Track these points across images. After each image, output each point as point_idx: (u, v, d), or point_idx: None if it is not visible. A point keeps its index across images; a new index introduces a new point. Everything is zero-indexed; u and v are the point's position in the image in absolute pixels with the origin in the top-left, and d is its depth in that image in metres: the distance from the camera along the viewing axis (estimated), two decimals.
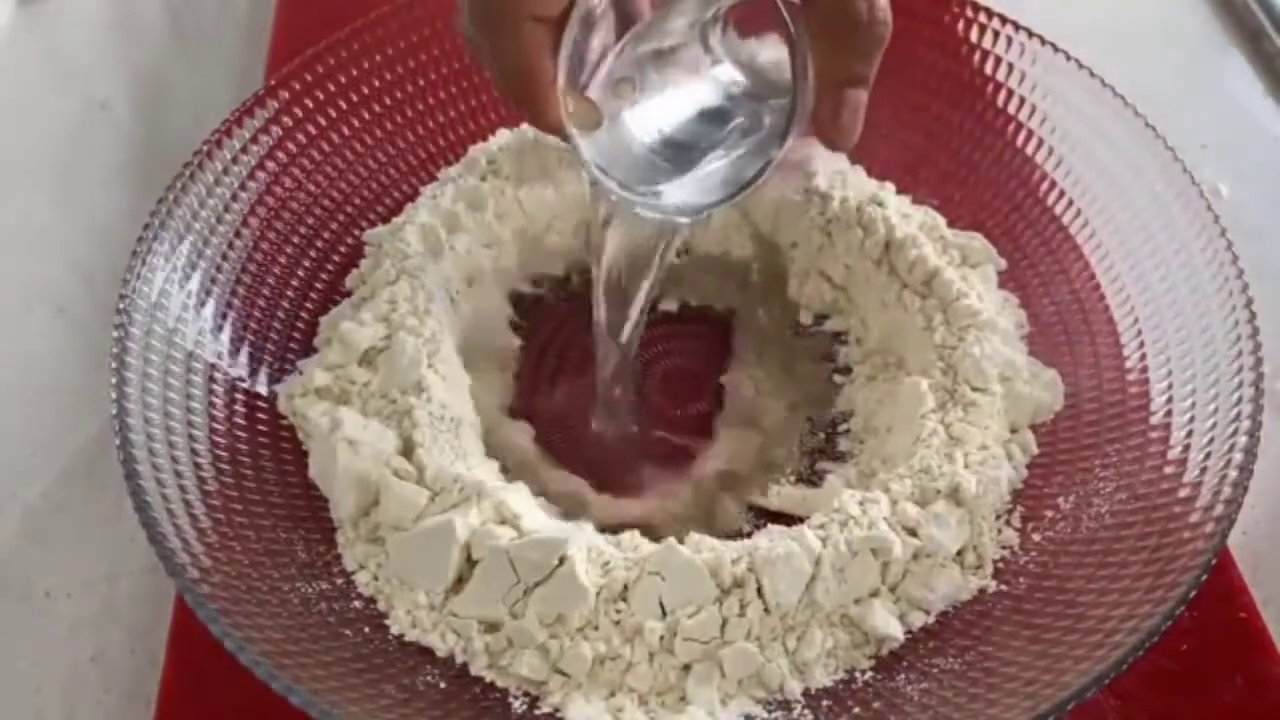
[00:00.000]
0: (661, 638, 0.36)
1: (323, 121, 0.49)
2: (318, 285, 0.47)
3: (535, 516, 0.39)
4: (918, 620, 0.38)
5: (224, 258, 0.45)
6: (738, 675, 0.36)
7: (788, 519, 0.41)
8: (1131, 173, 0.46)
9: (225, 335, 0.43)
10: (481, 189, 0.49)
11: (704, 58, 0.36)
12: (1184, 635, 0.39)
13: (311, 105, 0.49)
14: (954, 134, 0.50)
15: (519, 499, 0.39)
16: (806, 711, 0.36)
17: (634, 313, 0.40)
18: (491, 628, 0.37)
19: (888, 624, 0.37)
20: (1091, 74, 0.47)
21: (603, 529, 0.40)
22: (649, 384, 0.47)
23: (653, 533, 0.40)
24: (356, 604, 0.38)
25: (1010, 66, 0.49)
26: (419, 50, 0.52)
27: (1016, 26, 0.49)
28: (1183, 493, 0.38)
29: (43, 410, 0.48)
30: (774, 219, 0.50)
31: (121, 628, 0.42)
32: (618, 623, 0.36)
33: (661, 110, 0.36)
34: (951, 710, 0.34)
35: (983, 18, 0.50)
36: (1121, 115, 0.46)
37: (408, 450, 0.40)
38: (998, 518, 0.41)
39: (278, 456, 0.41)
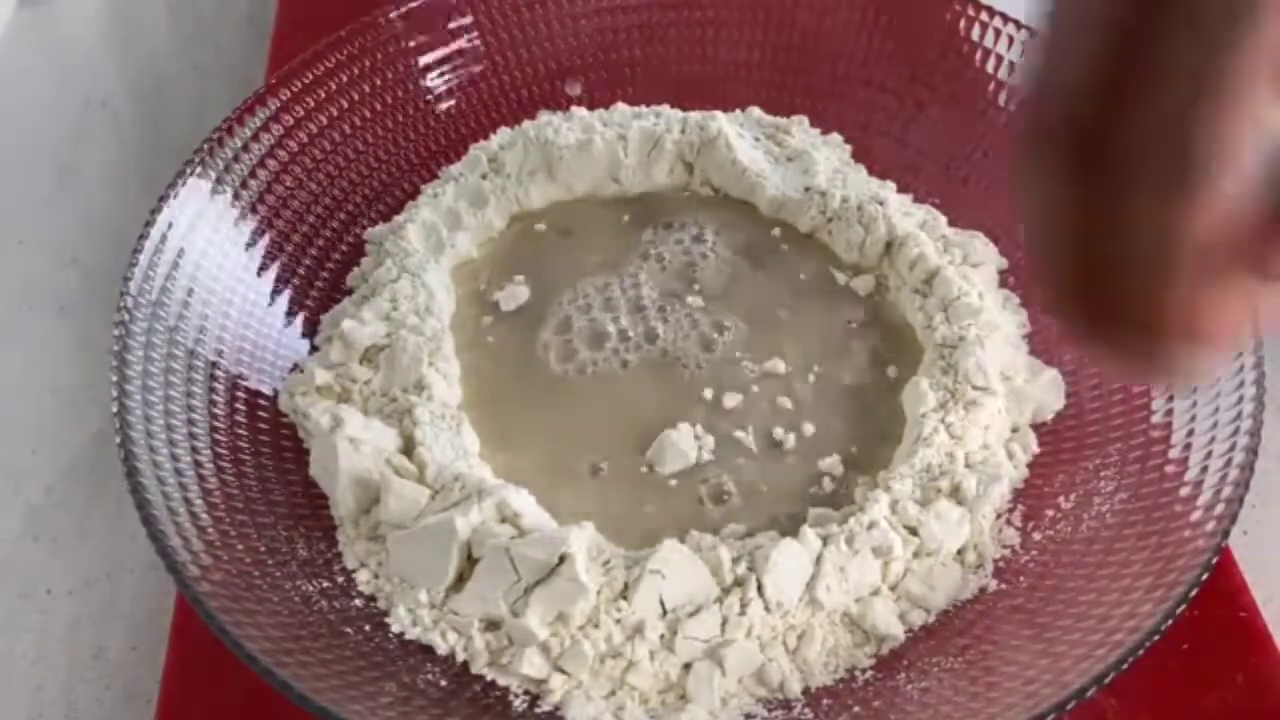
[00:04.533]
0: (662, 636, 0.36)
1: (323, 120, 0.49)
2: (319, 283, 0.47)
3: (536, 515, 0.39)
4: (918, 619, 0.38)
5: (225, 256, 0.45)
6: (738, 674, 0.36)
7: None
8: None
9: (226, 333, 0.43)
10: (483, 187, 0.49)
11: None
12: (1184, 634, 0.39)
13: (312, 104, 0.49)
14: (955, 132, 0.50)
15: (519, 498, 0.39)
16: (807, 710, 0.36)
17: None
18: (492, 626, 0.37)
19: (888, 623, 0.37)
20: None
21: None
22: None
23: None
24: (357, 602, 0.38)
25: (1012, 64, 0.49)
26: (419, 49, 0.52)
27: (1018, 25, 0.49)
28: (1184, 492, 0.38)
29: (43, 409, 0.48)
30: (775, 217, 0.50)
31: (122, 625, 0.42)
32: (619, 621, 0.36)
33: None
34: (952, 709, 0.34)
35: (984, 15, 0.50)
36: None
37: (409, 448, 0.40)
38: (999, 517, 0.41)
39: (278, 454, 0.41)
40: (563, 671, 0.36)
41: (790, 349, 0.45)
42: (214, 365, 0.42)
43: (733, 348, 0.45)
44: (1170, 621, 0.33)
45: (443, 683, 0.36)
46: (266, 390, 0.43)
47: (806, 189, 0.49)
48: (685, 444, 0.41)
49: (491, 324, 0.46)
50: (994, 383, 0.42)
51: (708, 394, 0.43)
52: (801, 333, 0.46)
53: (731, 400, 0.43)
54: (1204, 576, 0.34)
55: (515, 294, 0.46)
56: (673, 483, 0.41)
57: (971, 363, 0.43)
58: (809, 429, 0.43)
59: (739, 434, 0.42)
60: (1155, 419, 0.41)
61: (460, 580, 0.37)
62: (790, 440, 0.42)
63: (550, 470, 0.42)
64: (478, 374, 0.44)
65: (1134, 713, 0.38)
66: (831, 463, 0.42)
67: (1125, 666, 0.32)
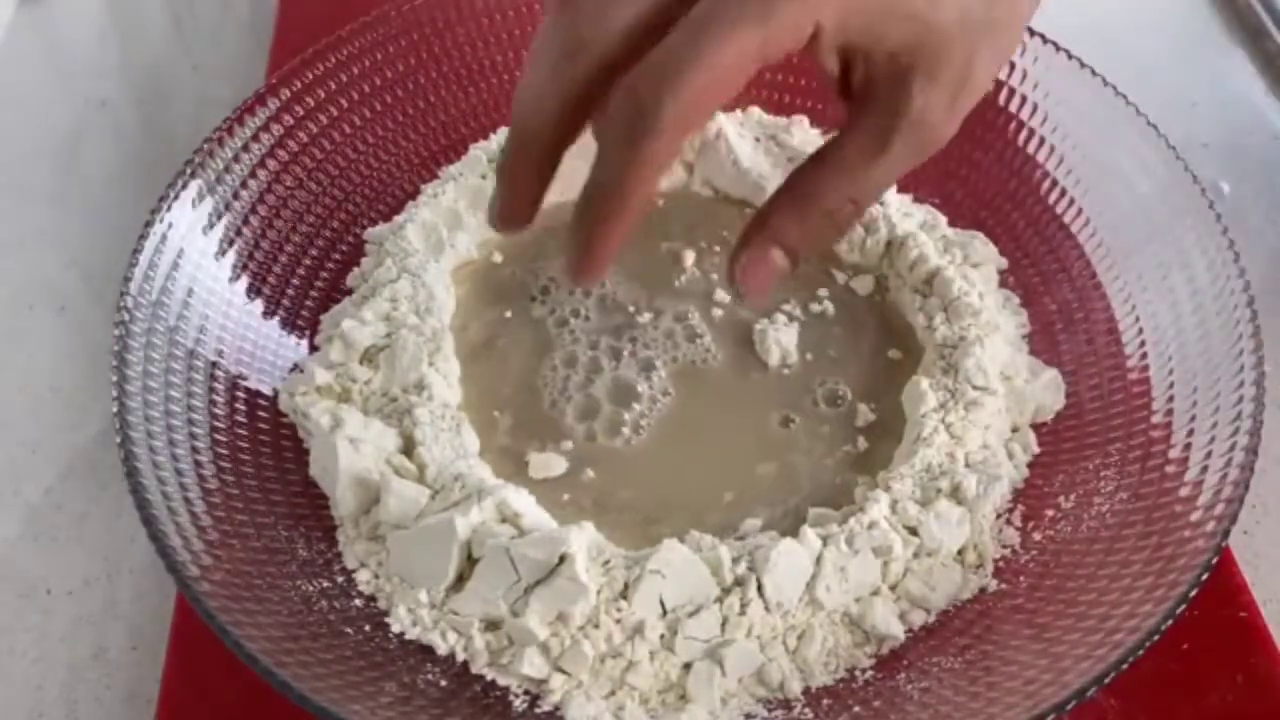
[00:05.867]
0: (662, 636, 0.36)
1: (323, 120, 0.49)
2: (318, 283, 0.47)
3: (536, 515, 0.39)
4: (918, 619, 0.38)
5: (224, 255, 0.45)
6: (738, 674, 0.36)
7: None
8: (1133, 171, 0.46)
9: (226, 333, 0.43)
10: (482, 187, 0.49)
11: None
12: (1184, 634, 0.39)
13: (312, 104, 0.49)
14: (955, 132, 0.50)
15: (519, 498, 0.39)
16: (807, 710, 0.36)
17: None
18: (492, 626, 0.37)
19: (888, 623, 0.37)
20: (1093, 72, 0.47)
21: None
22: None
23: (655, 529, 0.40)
24: (357, 602, 0.38)
25: (1011, 65, 0.49)
26: (419, 48, 0.52)
27: None
28: (1184, 491, 0.38)
29: (44, 409, 0.48)
30: None
31: (122, 625, 0.42)
32: (619, 621, 0.36)
33: None
34: (952, 709, 0.34)
35: None
36: (1123, 114, 0.46)
37: (409, 448, 0.40)
38: (999, 516, 0.41)
39: (278, 454, 0.41)
40: (563, 671, 0.36)
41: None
42: (214, 365, 0.42)
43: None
44: (1170, 621, 0.33)
45: (443, 683, 0.36)
46: (266, 390, 0.43)
47: None
48: (778, 330, 0.45)
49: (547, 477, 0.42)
50: (994, 383, 0.42)
51: (716, 312, 0.46)
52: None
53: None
54: (1204, 576, 0.34)
55: (550, 463, 0.42)
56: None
57: (971, 363, 0.43)
58: (840, 276, 0.47)
59: (786, 308, 0.46)
60: (1155, 419, 0.41)
61: (460, 580, 0.37)
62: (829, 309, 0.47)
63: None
64: (586, 510, 0.41)
65: (1134, 713, 0.38)
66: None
67: (1125, 666, 0.32)
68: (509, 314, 0.47)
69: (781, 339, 0.45)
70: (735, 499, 0.41)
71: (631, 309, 0.46)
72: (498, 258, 0.49)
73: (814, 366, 0.45)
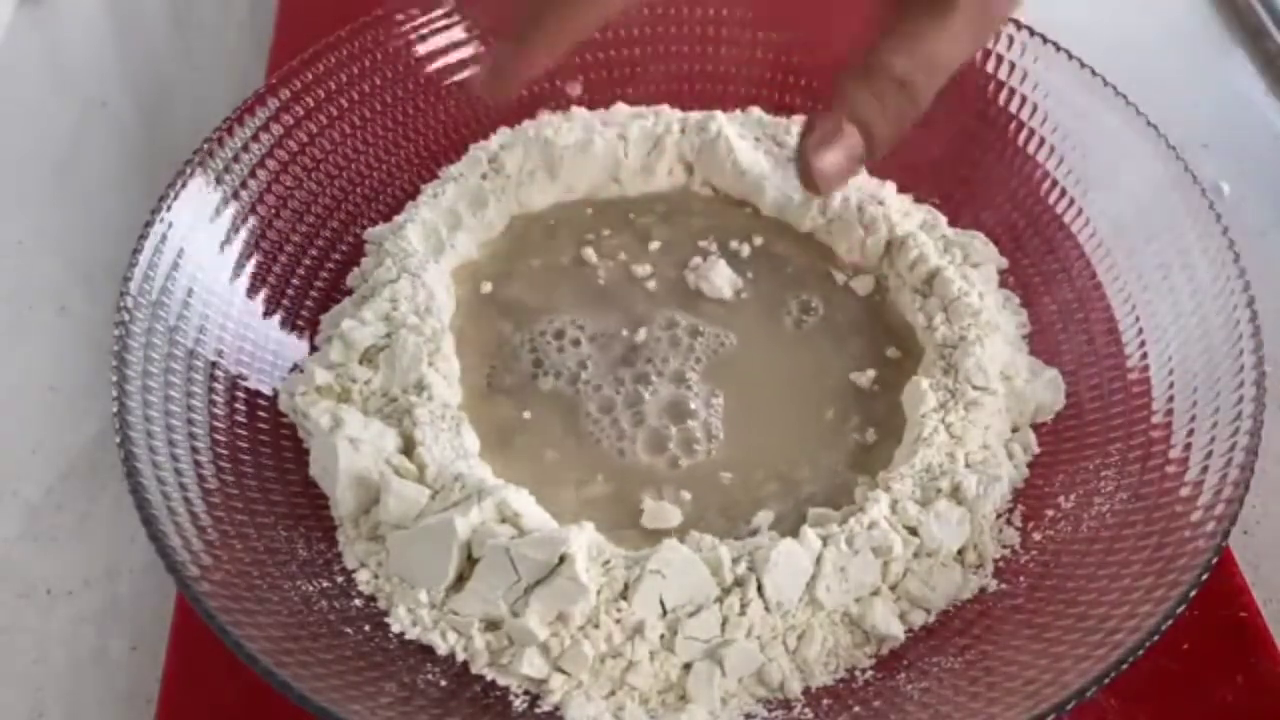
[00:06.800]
0: (662, 636, 0.36)
1: (323, 120, 0.49)
2: (318, 283, 0.47)
3: (536, 515, 0.39)
4: (918, 619, 0.38)
5: (224, 255, 0.45)
6: (738, 674, 0.36)
7: None
8: (1133, 171, 0.46)
9: (226, 333, 0.43)
10: (483, 187, 0.49)
11: None
12: (1185, 635, 0.39)
13: (312, 104, 0.49)
14: (955, 132, 0.50)
15: (519, 498, 0.39)
16: (807, 710, 0.36)
17: None
18: (492, 626, 0.37)
19: (888, 623, 0.37)
20: (1093, 72, 0.47)
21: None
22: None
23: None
24: (357, 602, 0.38)
25: (1012, 65, 0.49)
26: (418, 47, 0.52)
27: (1018, 25, 0.49)
28: (1184, 492, 0.38)
29: (44, 409, 0.48)
30: (775, 218, 0.50)
31: (123, 625, 0.42)
32: (619, 621, 0.36)
33: None
34: (952, 709, 0.34)
35: None
36: (1123, 114, 0.46)
37: (408, 449, 0.40)
38: (999, 517, 0.41)
39: (278, 455, 0.41)
40: (563, 671, 0.36)
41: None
42: (214, 365, 0.42)
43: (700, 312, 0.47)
44: (1170, 621, 0.33)
45: (443, 683, 0.36)
46: (266, 390, 0.43)
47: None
48: (707, 268, 0.47)
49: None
50: (994, 383, 0.42)
51: (650, 285, 0.48)
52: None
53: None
54: (1204, 576, 0.34)
55: (665, 513, 0.41)
56: None
57: (971, 363, 0.43)
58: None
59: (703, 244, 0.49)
60: (1155, 419, 0.41)
61: (460, 580, 0.37)
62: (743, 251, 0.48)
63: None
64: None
65: (1134, 713, 0.38)
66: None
67: (1125, 666, 0.32)
68: (527, 414, 0.44)
69: (720, 272, 0.47)
70: (838, 411, 0.44)
71: (625, 332, 0.46)
72: (487, 287, 0.48)
73: (765, 284, 0.47)
